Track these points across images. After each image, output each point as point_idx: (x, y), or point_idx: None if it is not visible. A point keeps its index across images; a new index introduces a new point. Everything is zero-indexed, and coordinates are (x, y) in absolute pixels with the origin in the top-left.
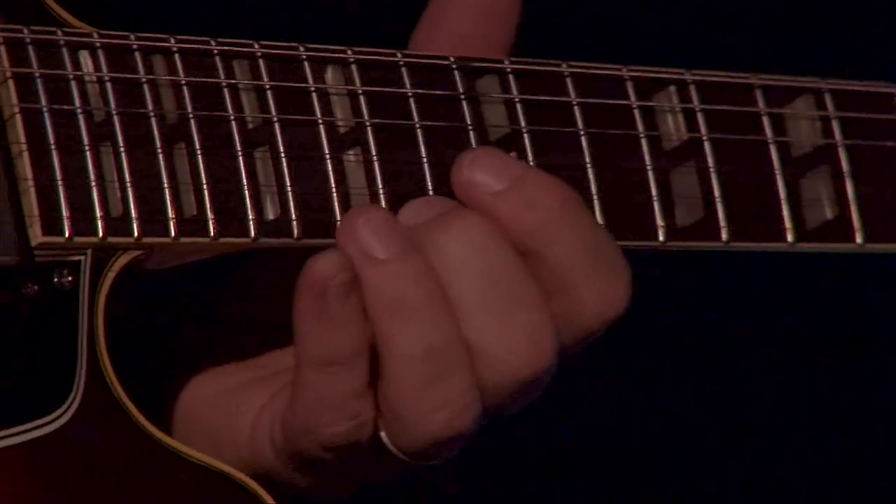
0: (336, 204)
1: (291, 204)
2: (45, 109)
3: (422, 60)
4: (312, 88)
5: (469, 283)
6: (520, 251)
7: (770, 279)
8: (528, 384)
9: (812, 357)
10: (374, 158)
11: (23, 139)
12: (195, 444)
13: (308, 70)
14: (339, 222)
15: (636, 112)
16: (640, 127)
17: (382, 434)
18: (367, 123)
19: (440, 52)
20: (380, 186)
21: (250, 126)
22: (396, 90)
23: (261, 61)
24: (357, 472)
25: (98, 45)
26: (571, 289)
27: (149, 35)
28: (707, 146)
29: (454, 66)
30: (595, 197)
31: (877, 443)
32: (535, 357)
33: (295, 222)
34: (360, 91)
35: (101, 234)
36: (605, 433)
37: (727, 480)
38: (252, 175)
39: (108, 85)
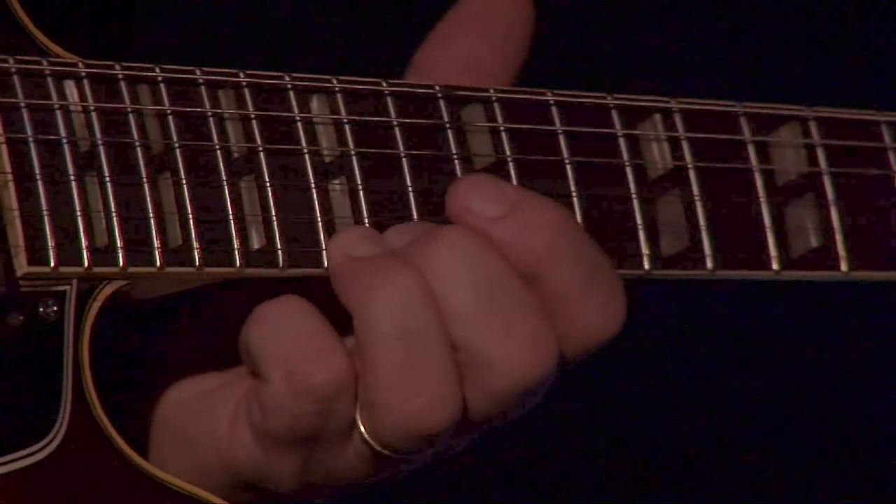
0: (321, 233)
1: (277, 233)
2: (30, 139)
3: (407, 89)
4: (297, 117)
5: (465, 292)
6: (519, 275)
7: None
8: (532, 389)
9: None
10: (360, 188)
11: (8, 169)
12: (168, 446)
13: (293, 99)
14: (325, 251)
15: (621, 140)
16: (625, 155)
17: (360, 426)
18: (353, 152)
19: (446, 73)
20: (365, 216)
21: (235, 155)
22: (382, 119)
23: (246, 90)
24: (333, 466)
25: (83, 74)
26: (572, 310)
27: (134, 65)
28: (692, 174)
29: (439, 95)
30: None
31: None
32: (539, 362)
33: (280, 252)
34: (345, 120)
35: (86, 264)
36: (605, 436)
37: (727, 481)
38: (237, 204)
39: (94, 115)
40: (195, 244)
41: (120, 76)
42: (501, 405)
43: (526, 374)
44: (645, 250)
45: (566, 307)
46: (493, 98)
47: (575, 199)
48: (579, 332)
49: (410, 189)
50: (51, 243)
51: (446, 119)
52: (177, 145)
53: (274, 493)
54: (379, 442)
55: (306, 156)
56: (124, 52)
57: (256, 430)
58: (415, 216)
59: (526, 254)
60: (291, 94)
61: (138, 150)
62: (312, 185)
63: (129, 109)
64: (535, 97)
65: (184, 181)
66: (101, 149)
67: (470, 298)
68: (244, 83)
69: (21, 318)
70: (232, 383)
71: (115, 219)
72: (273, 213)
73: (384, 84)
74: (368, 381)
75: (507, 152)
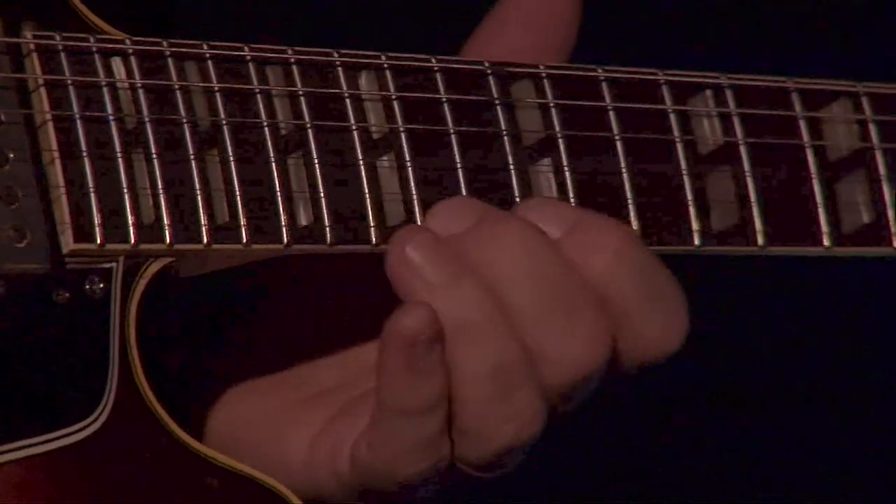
0: (369, 210)
1: (324, 210)
2: (76, 116)
3: (456, 66)
4: (346, 94)
5: (525, 294)
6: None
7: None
8: (590, 380)
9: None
10: (408, 164)
11: (54, 146)
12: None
13: (342, 75)
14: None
15: (672, 116)
16: (676, 131)
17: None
18: (401, 129)
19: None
20: (413, 192)
21: (283, 132)
22: (431, 95)
23: (294, 67)
24: (425, 495)
25: (130, 51)
26: (634, 326)
27: (181, 41)
28: (743, 150)
29: (489, 72)
30: (630, 202)
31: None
32: (595, 354)
33: (328, 229)
34: (393, 97)
35: (132, 241)
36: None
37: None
38: (285, 181)
39: (141, 91)
40: (242, 221)
41: (167, 53)
42: (565, 398)
43: (584, 367)
44: (695, 226)
45: (628, 322)
46: (543, 74)
47: (625, 175)
48: (641, 347)
49: (459, 165)
50: (97, 220)
51: (496, 95)
52: (224, 122)
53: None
54: (469, 465)
55: (355, 132)
56: (168, 28)
57: (344, 484)
58: (463, 192)
59: (587, 273)
60: (340, 70)
61: (185, 126)
62: (361, 162)
63: (177, 86)
64: (585, 73)
65: (231, 158)
66: (148, 125)
67: (531, 300)
68: (292, 60)
69: (67, 295)
70: (296, 409)
71: (161, 195)
72: (321, 189)
73: (433, 60)
74: (459, 415)
75: (557, 128)
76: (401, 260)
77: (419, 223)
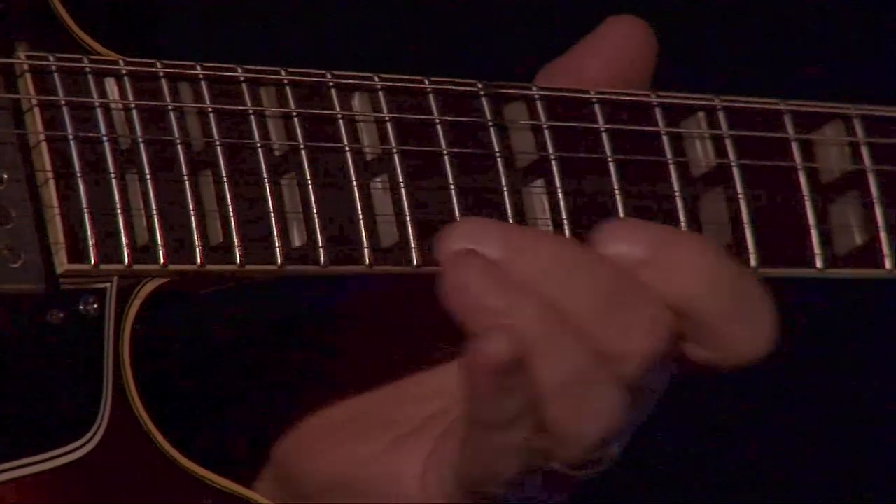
0: (363, 231)
1: (318, 231)
2: (70, 137)
3: (449, 87)
4: (339, 115)
5: (577, 301)
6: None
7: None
8: (660, 362)
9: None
10: (402, 186)
11: (48, 167)
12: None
13: (335, 97)
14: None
15: (664, 138)
16: (669, 153)
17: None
18: (395, 150)
19: None
20: (407, 214)
21: (277, 153)
22: (424, 117)
23: (287, 88)
24: (534, 493)
25: (124, 72)
26: (721, 337)
27: (175, 62)
28: (736, 172)
29: (482, 93)
30: None
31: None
32: (659, 340)
33: (322, 249)
34: (387, 118)
35: (126, 261)
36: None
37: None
38: (278, 202)
39: (134, 112)
40: (236, 241)
41: (161, 74)
42: (643, 384)
43: (652, 354)
44: None
45: (715, 334)
46: (536, 96)
47: (618, 197)
48: (729, 355)
49: (452, 187)
50: (91, 241)
51: (489, 117)
52: (218, 143)
53: None
54: (570, 466)
55: (348, 153)
56: (153, 50)
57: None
58: (457, 214)
59: (674, 291)
60: (333, 91)
61: (179, 147)
62: (354, 183)
63: (170, 107)
64: (577, 95)
65: (225, 179)
66: (142, 146)
67: (586, 311)
68: (286, 81)
69: (61, 315)
70: (402, 445)
71: (155, 216)
72: (314, 210)
73: (426, 82)
74: (548, 425)
75: (550, 150)
76: (459, 289)
77: (412, 244)
